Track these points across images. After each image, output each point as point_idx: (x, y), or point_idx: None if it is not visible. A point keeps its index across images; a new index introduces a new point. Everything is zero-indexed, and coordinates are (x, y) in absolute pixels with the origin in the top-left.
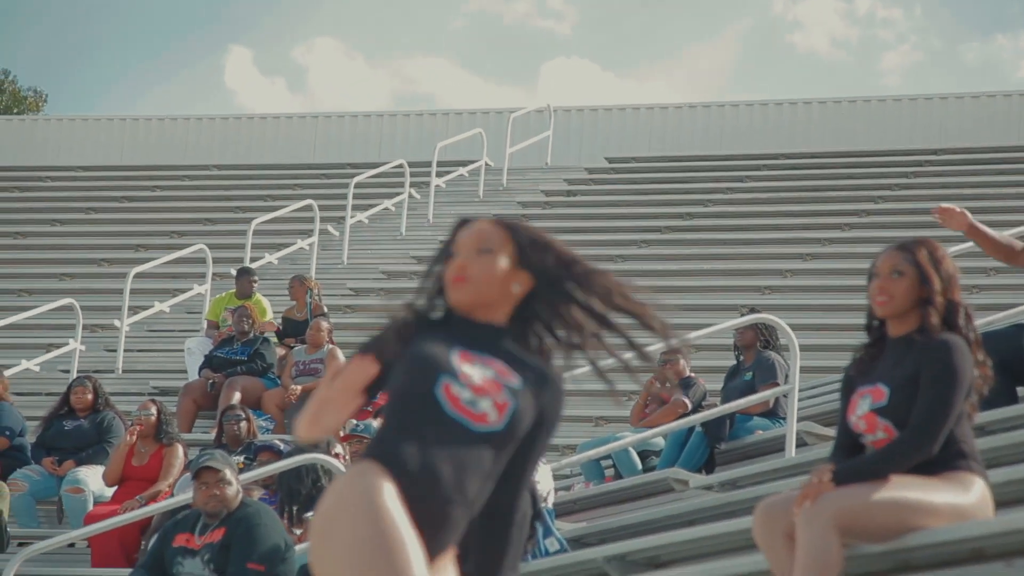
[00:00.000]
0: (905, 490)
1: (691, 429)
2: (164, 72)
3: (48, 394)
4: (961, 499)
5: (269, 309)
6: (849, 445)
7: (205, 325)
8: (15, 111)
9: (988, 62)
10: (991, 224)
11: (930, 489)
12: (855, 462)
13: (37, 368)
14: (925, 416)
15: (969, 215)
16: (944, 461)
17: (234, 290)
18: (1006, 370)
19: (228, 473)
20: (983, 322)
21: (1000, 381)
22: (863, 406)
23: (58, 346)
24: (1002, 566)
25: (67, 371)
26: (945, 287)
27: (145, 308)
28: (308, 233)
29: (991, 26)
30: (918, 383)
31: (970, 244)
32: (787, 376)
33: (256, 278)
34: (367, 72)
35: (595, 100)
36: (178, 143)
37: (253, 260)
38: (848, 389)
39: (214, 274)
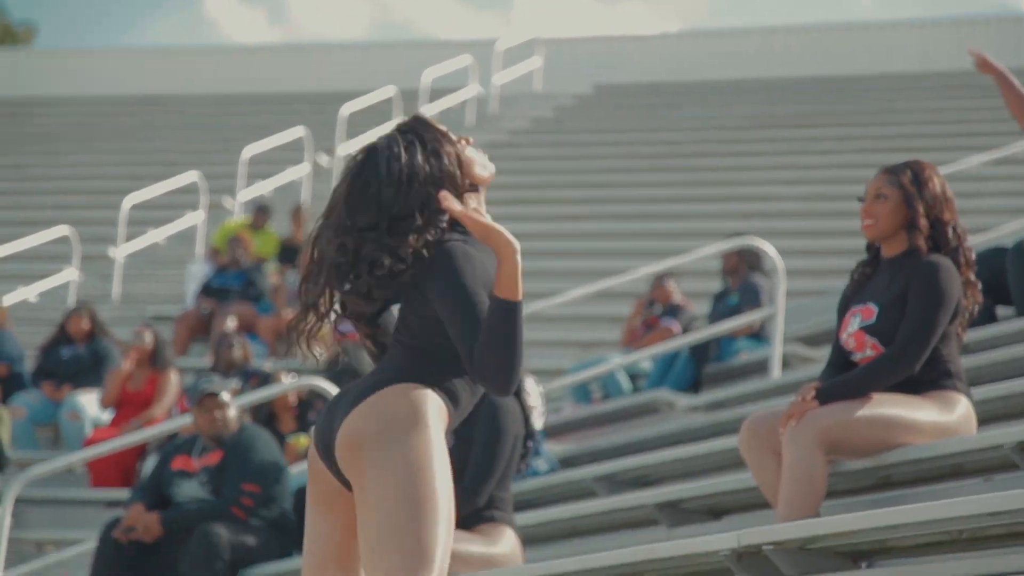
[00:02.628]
0: (890, 407)
1: (678, 352)
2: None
3: (46, 323)
4: (944, 417)
5: (277, 242)
6: (841, 363)
7: (207, 252)
8: (6, 43)
9: None
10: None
11: (914, 407)
12: (838, 380)
13: (35, 298)
14: (908, 335)
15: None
16: (930, 380)
17: (243, 219)
18: (987, 291)
19: (228, 397)
20: None
21: (982, 301)
22: (854, 324)
23: (55, 275)
24: (980, 481)
25: (64, 299)
26: (929, 208)
27: (140, 236)
28: (299, 162)
29: None
30: (906, 302)
31: (957, 166)
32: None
33: (269, 212)
34: None
35: (573, 22)
36: (169, 74)
37: (246, 189)
38: (843, 308)
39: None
